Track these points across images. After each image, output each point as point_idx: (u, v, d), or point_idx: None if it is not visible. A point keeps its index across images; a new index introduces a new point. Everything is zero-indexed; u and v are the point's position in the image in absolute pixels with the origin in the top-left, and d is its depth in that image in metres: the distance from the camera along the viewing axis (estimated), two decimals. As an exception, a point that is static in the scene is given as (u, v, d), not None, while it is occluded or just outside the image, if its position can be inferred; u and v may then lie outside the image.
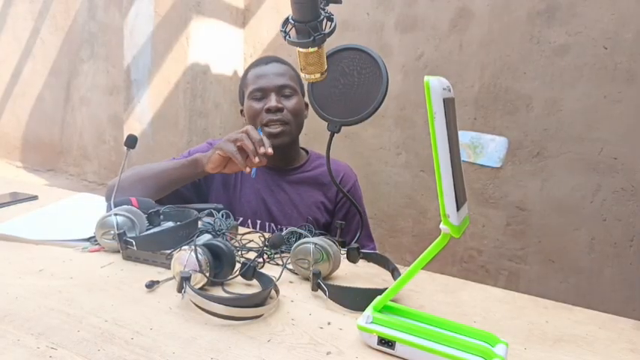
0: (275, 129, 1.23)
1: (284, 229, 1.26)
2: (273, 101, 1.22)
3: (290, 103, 1.25)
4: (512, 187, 2.14)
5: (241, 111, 1.33)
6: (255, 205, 1.28)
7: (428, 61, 2.29)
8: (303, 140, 1.42)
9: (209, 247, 0.74)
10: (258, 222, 1.27)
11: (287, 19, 0.70)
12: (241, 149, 1.03)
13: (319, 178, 1.32)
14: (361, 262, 0.89)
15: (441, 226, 0.54)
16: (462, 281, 0.86)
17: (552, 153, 2.04)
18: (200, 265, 0.70)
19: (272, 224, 1.27)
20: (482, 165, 2.19)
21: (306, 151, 1.39)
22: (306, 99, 1.33)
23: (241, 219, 1.27)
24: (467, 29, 2.17)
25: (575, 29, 1.94)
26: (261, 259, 0.86)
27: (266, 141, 1.03)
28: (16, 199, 1.22)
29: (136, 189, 1.12)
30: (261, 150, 1.01)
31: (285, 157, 1.31)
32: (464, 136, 2.20)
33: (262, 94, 1.24)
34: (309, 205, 1.28)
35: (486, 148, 2.18)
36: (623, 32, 1.85)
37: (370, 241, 1.33)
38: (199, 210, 0.97)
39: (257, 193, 1.29)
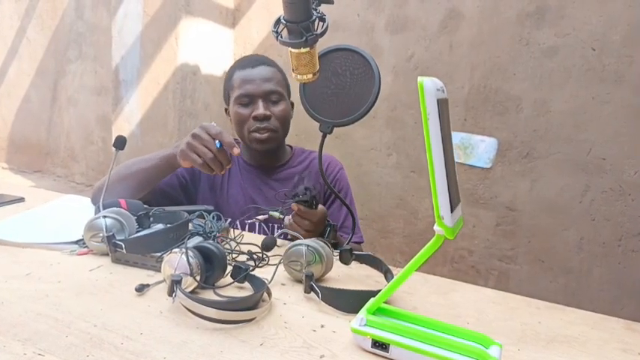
0: (262, 135, 1.23)
1: (275, 227, 1.26)
2: (260, 109, 1.21)
3: (277, 110, 1.24)
4: (502, 187, 2.15)
5: (226, 109, 1.33)
6: (243, 204, 1.28)
7: (418, 62, 2.29)
8: (294, 140, 1.42)
9: (200, 250, 0.73)
10: (247, 222, 1.27)
11: (279, 19, 0.70)
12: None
13: (307, 172, 1.33)
14: (354, 264, 0.88)
15: (435, 227, 0.53)
16: (454, 282, 0.86)
17: (541, 154, 2.05)
18: (191, 268, 0.69)
19: (262, 223, 1.27)
20: (472, 166, 2.20)
21: (290, 147, 1.40)
22: (291, 99, 1.34)
23: (230, 219, 1.26)
24: (457, 30, 2.18)
25: (563, 31, 1.95)
26: (252, 262, 0.85)
27: (226, 140, 1.01)
28: (2, 201, 1.19)
29: (118, 189, 1.11)
30: (234, 151, 1.00)
31: (273, 157, 1.32)
32: (454, 137, 2.21)
33: (249, 99, 1.23)
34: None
35: (476, 148, 2.19)
36: (611, 34, 1.87)
37: (358, 229, 1.33)
38: (190, 212, 0.96)
39: (245, 193, 1.29)
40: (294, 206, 0.97)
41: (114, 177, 1.13)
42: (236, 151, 0.99)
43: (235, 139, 1.38)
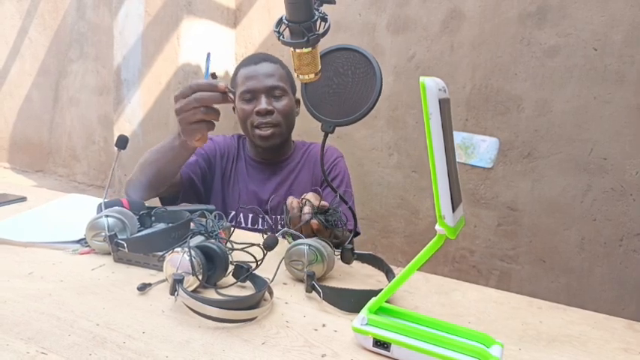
0: (266, 131, 1.24)
1: (278, 218, 1.27)
2: (263, 104, 1.22)
3: (280, 105, 1.25)
4: (504, 187, 2.15)
5: (233, 108, 1.34)
6: (247, 198, 1.29)
7: (419, 62, 2.29)
8: (294, 139, 1.42)
9: (202, 249, 0.73)
10: (250, 215, 1.28)
11: (281, 19, 0.70)
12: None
13: (306, 162, 1.36)
14: (355, 263, 0.88)
15: (437, 227, 0.53)
16: (455, 282, 0.86)
17: (543, 153, 2.05)
18: (193, 268, 0.70)
19: (265, 216, 1.28)
20: (473, 165, 2.20)
21: (293, 141, 1.42)
22: (297, 96, 1.34)
23: (233, 212, 1.28)
24: (458, 30, 2.18)
25: (565, 31, 1.95)
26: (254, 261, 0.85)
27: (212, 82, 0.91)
28: (5, 200, 1.20)
29: (141, 182, 1.11)
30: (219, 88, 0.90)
31: (277, 153, 1.33)
32: (455, 137, 2.21)
33: (252, 95, 1.25)
34: (301, 190, 1.29)
35: (478, 148, 2.19)
36: (612, 34, 1.87)
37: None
38: (191, 211, 0.96)
39: (248, 188, 1.30)
40: (314, 224, 0.91)
41: (137, 171, 1.13)
42: (222, 86, 0.90)
43: (241, 135, 1.39)
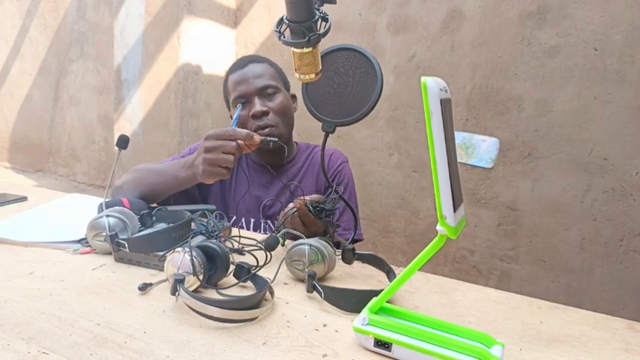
0: (264, 133, 1.23)
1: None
2: (257, 106, 1.21)
3: (274, 103, 1.24)
4: (504, 187, 2.15)
5: (231, 116, 1.33)
6: (249, 203, 1.28)
7: (420, 62, 2.29)
8: (294, 139, 1.42)
9: (203, 249, 0.73)
10: (252, 220, 1.27)
11: (282, 19, 0.70)
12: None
13: (310, 166, 1.34)
14: (356, 264, 0.88)
15: (438, 227, 0.53)
16: (456, 282, 0.86)
17: (543, 153, 2.05)
18: (194, 267, 0.70)
19: (268, 221, 1.27)
20: (473, 165, 2.20)
21: (296, 143, 1.41)
22: (293, 91, 1.34)
23: (235, 217, 1.27)
24: (458, 30, 2.18)
25: (565, 31, 1.95)
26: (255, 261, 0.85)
27: (244, 133, 0.96)
28: (5, 200, 1.20)
29: (133, 195, 1.11)
30: (256, 140, 0.96)
31: (280, 155, 1.32)
32: (455, 137, 2.21)
33: (245, 99, 1.23)
34: (305, 194, 1.28)
35: (478, 148, 2.19)
36: (612, 34, 1.87)
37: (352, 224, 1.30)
38: (192, 211, 0.96)
39: (250, 192, 1.29)
40: (300, 204, 0.94)
41: (133, 182, 1.13)
42: (257, 139, 0.95)
43: None
